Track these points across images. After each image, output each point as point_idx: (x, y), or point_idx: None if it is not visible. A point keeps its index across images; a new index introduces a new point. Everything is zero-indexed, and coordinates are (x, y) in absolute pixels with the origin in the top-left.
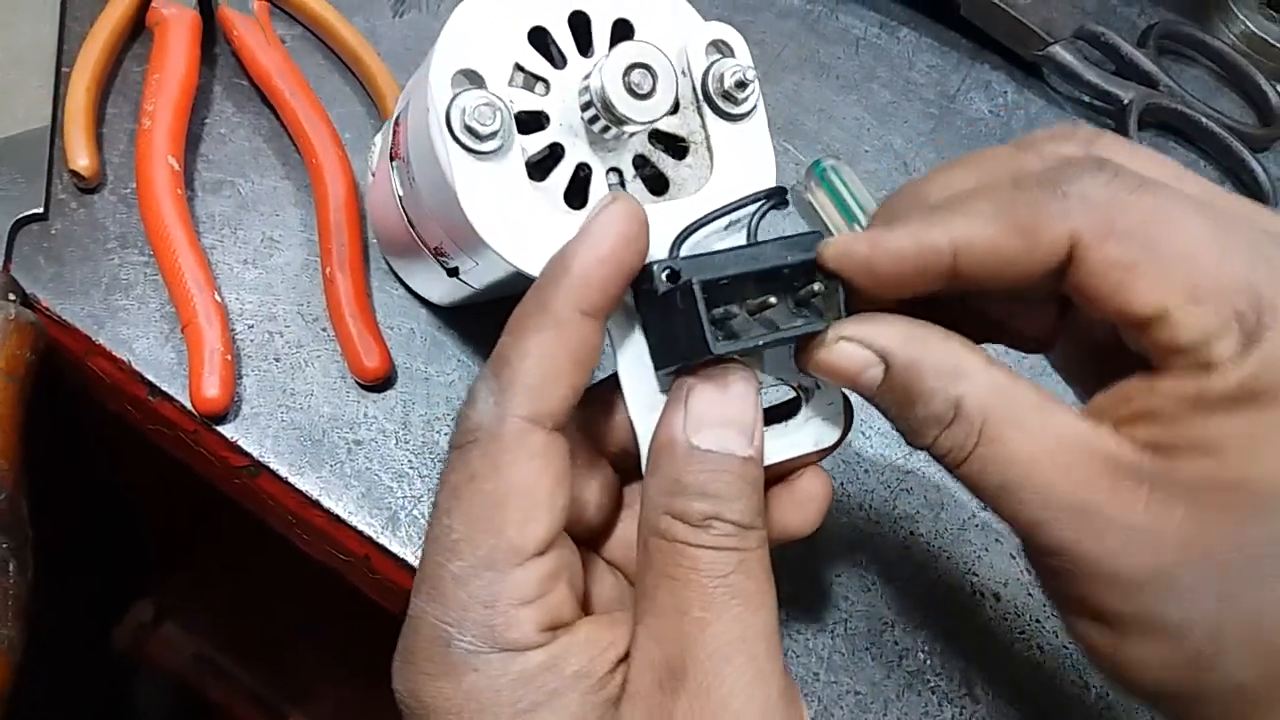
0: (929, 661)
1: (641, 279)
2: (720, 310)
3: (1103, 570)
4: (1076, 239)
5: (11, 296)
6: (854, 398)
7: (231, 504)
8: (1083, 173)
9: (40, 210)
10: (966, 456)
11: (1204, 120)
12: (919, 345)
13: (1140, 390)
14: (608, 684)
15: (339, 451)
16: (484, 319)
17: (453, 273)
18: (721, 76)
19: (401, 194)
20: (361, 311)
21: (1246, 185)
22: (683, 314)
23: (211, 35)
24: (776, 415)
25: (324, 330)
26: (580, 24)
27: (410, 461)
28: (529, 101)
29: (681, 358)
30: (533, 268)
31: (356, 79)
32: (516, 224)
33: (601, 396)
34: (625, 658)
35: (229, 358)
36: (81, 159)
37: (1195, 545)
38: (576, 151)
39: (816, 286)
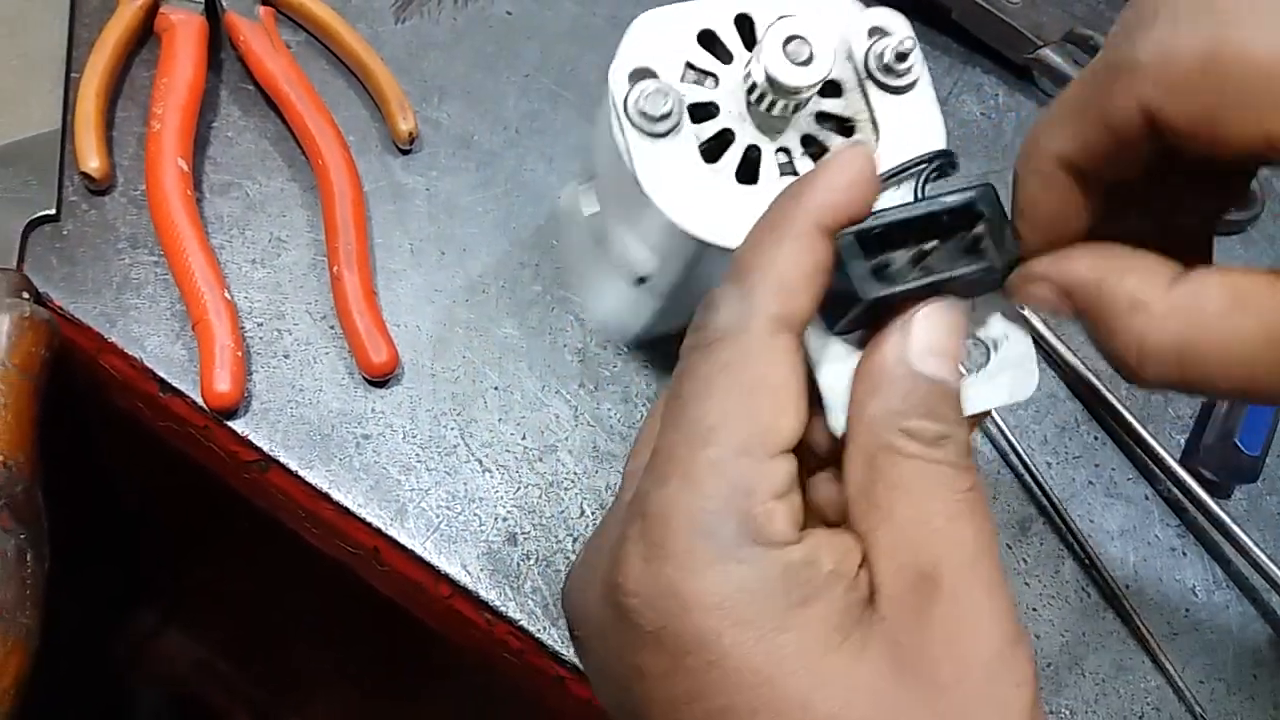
0: None
1: None
2: (878, 259)
3: None
4: (1149, 110)
5: (25, 295)
6: None
7: (234, 512)
8: (1128, 51)
9: (52, 211)
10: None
11: None
12: (1093, 286)
13: None
14: (858, 585)
15: (348, 446)
16: (487, 320)
17: (640, 282)
18: (882, 52)
19: (595, 211)
20: (370, 308)
21: None
22: (840, 266)
23: (218, 41)
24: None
25: (331, 328)
26: (745, 25)
27: (418, 455)
28: (699, 94)
29: (843, 311)
30: (710, 235)
31: (360, 83)
32: (692, 197)
33: None
34: (862, 564)
35: (239, 354)
36: (92, 161)
37: None
38: (746, 135)
39: (979, 229)
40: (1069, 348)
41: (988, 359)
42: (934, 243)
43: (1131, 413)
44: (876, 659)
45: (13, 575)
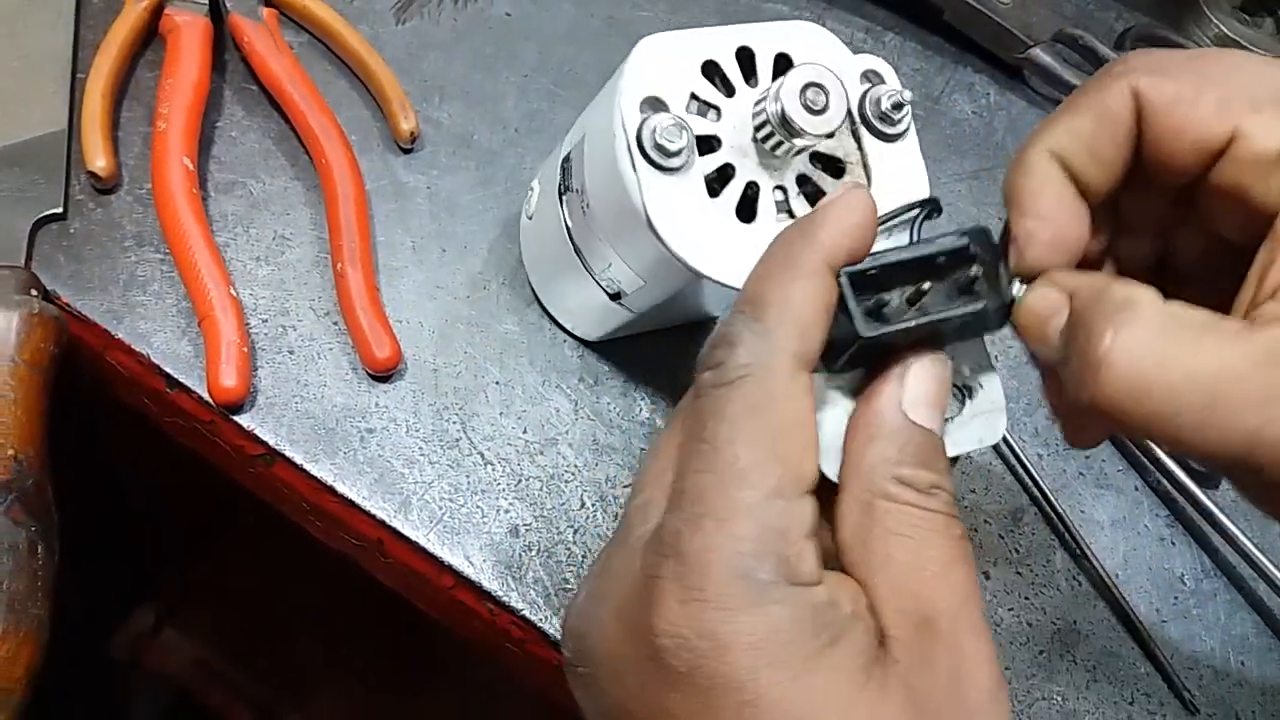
0: None
1: None
2: (872, 300)
3: None
4: (1137, 93)
5: (34, 292)
6: None
7: (238, 509)
8: (1128, 55)
9: (59, 210)
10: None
11: None
12: (1095, 286)
13: (1270, 258)
14: (872, 627)
15: (352, 439)
16: (488, 316)
17: (615, 297)
18: (879, 100)
19: (571, 224)
20: (373, 304)
21: None
22: (839, 305)
23: (222, 42)
24: None
25: (335, 324)
26: (745, 58)
27: (421, 449)
28: (703, 126)
29: (837, 350)
30: (712, 271)
31: (362, 83)
32: (699, 234)
33: None
34: (870, 607)
35: (245, 349)
36: (99, 160)
37: None
38: (746, 171)
39: (974, 270)
40: None
41: (962, 407)
42: (928, 284)
43: None
44: (896, 700)
45: (24, 567)
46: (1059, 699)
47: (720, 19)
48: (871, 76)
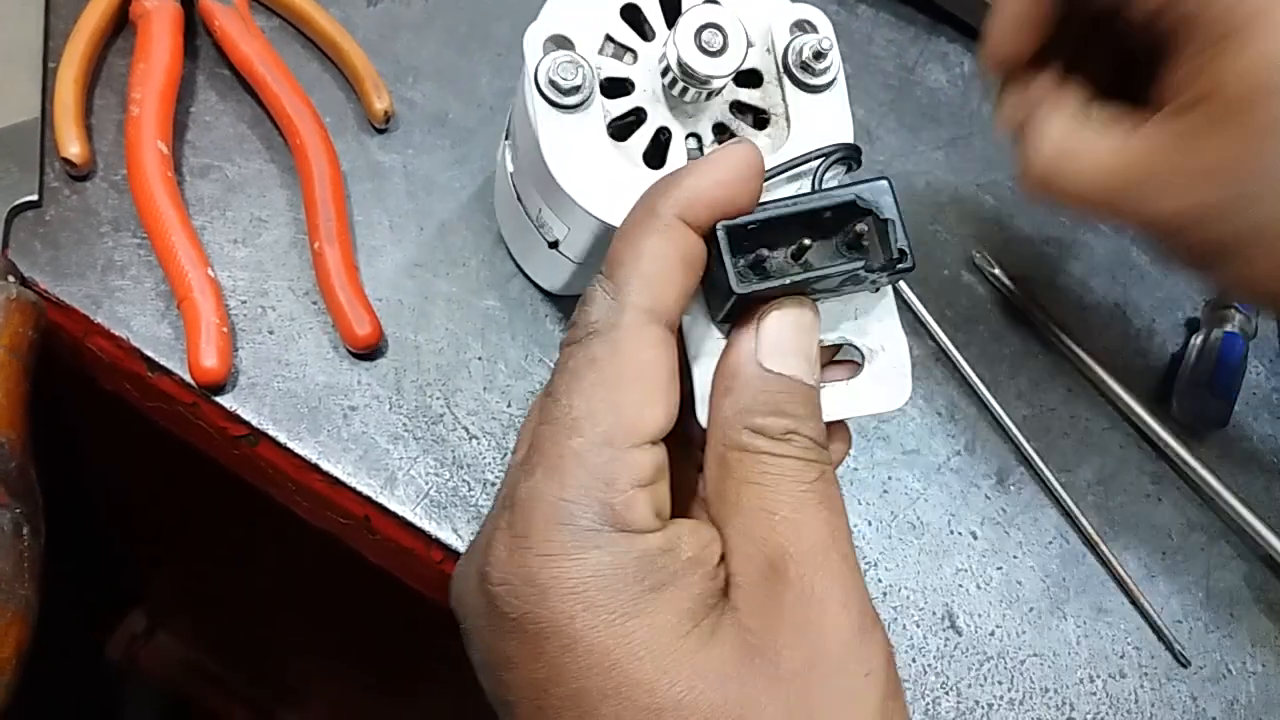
0: (911, 597)
1: None
2: (752, 255)
3: None
4: None
5: (11, 278)
6: None
7: (222, 506)
8: None
9: (35, 198)
10: None
11: None
12: (1037, 97)
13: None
14: (717, 575)
15: (335, 417)
16: (468, 292)
17: (553, 245)
18: (800, 49)
19: (512, 170)
20: (351, 282)
21: None
22: (716, 258)
23: (193, 27)
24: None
25: (314, 304)
26: (671, 4)
27: (405, 425)
28: (616, 69)
29: (720, 302)
30: (610, 217)
31: (335, 65)
32: (595, 175)
33: None
34: (723, 557)
35: (225, 329)
36: (73, 147)
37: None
38: (658, 116)
39: (862, 226)
40: (1038, 304)
41: (860, 369)
42: (809, 240)
43: (1104, 364)
44: (725, 646)
45: (9, 548)
46: (1051, 655)
47: None
48: (805, 26)
